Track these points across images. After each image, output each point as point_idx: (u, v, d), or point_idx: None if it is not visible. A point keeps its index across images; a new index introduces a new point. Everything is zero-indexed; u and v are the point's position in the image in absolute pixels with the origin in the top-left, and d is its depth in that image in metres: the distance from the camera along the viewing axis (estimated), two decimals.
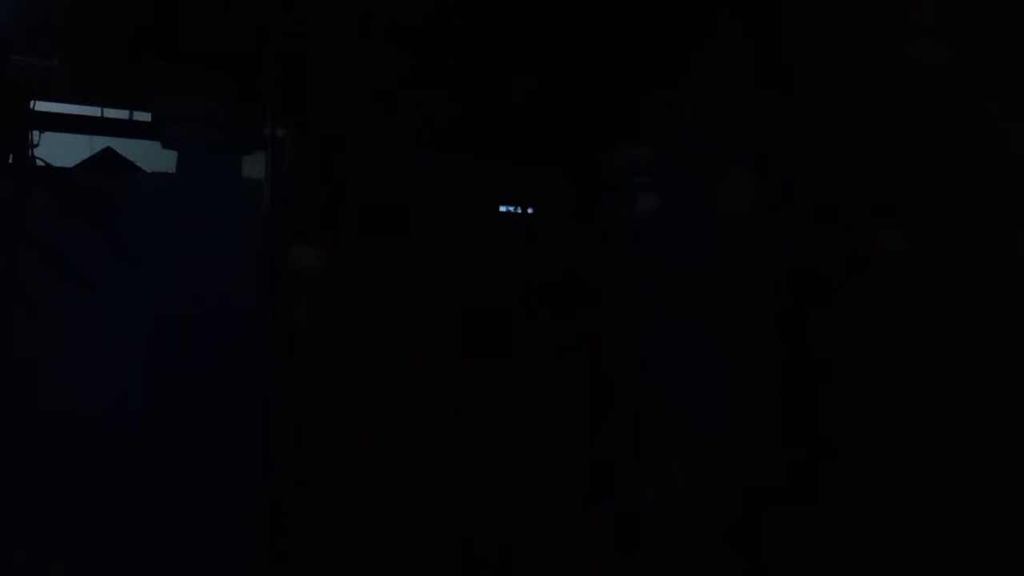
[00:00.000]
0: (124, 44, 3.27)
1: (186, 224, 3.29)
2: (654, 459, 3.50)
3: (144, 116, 3.43)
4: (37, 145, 3.19)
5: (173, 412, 3.21)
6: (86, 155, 3.38)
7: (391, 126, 3.46)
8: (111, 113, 3.47)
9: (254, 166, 3.39)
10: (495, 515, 3.37)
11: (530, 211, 3.76)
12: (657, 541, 3.50)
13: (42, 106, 3.24)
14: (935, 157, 3.39)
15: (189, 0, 3.32)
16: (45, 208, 3.11)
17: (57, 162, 3.24)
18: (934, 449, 3.36)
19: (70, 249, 3.09)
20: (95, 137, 3.38)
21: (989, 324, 3.26)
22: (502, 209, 3.73)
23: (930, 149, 3.40)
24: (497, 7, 3.57)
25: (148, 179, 3.37)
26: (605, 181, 3.69)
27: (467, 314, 3.37)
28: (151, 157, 3.43)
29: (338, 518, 3.25)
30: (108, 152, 3.38)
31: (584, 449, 3.46)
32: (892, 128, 3.46)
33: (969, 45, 3.31)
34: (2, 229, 3.05)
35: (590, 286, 3.50)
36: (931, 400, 3.36)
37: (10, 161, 3.17)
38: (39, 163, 3.18)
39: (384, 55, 3.47)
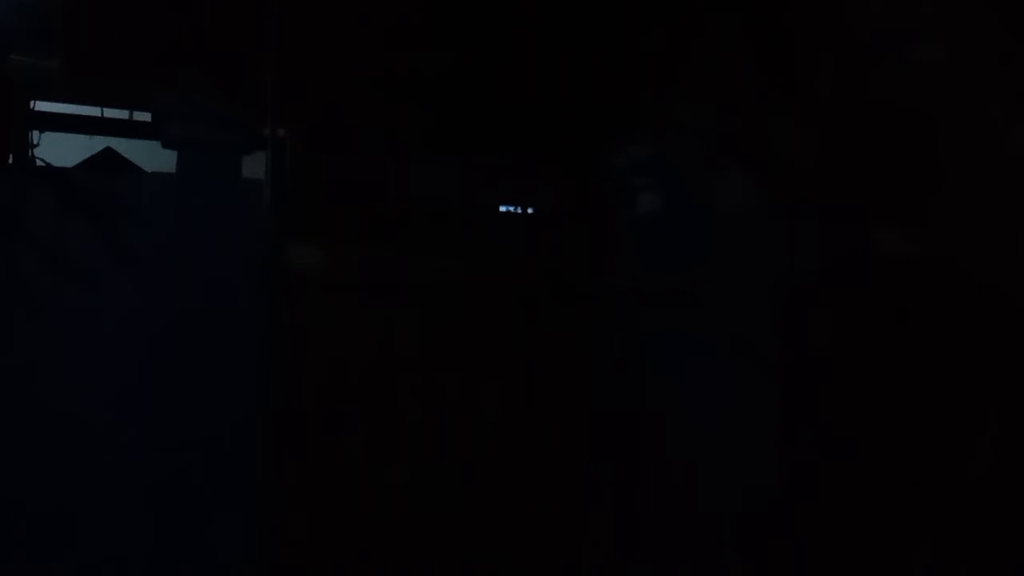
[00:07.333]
0: (124, 44, 3.27)
1: (186, 224, 3.29)
2: (653, 459, 3.50)
3: (144, 116, 3.43)
4: (37, 145, 3.19)
5: (173, 412, 3.21)
6: (86, 155, 3.38)
7: (391, 126, 3.46)
8: (111, 113, 3.47)
9: (254, 166, 3.39)
10: (495, 515, 3.37)
11: (530, 211, 3.76)
12: (656, 541, 3.50)
13: (42, 106, 3.24)
14: (935, 157, 3.40)
15: (189, 0, 3.32)
16: (45, 208, 3.11)
17: (57, 162, 3.24)
18: (934, 448, 3.36)
19: (70, 249, 3.09)
20: (95, 137, 3.38)
21: (989, 323, 3.26)
22: (502, 209, 3.73)
23: (930, 149, 3.41)
24: (497, 6, 3.57)
25: (148, 179, 3.37)
26: (605, 181, 3.69)
27: (467, 314, 3.37)
28: (151, 157, 3.43)
29: (338, 518, 3.25)
30: (108, 152, 3.38)
31: (583, 449, 3.46)
32: (892, 128, 3.46)
33: (969, 45, 3.32)
34: (2, 229, 3.05)
35: (590, 286, 3.50)
36: (931, 399, 3.36)
37: (10, 161, 3.17)
38: (39, 163, 3.18)
39: (384, 55, 3.47)
